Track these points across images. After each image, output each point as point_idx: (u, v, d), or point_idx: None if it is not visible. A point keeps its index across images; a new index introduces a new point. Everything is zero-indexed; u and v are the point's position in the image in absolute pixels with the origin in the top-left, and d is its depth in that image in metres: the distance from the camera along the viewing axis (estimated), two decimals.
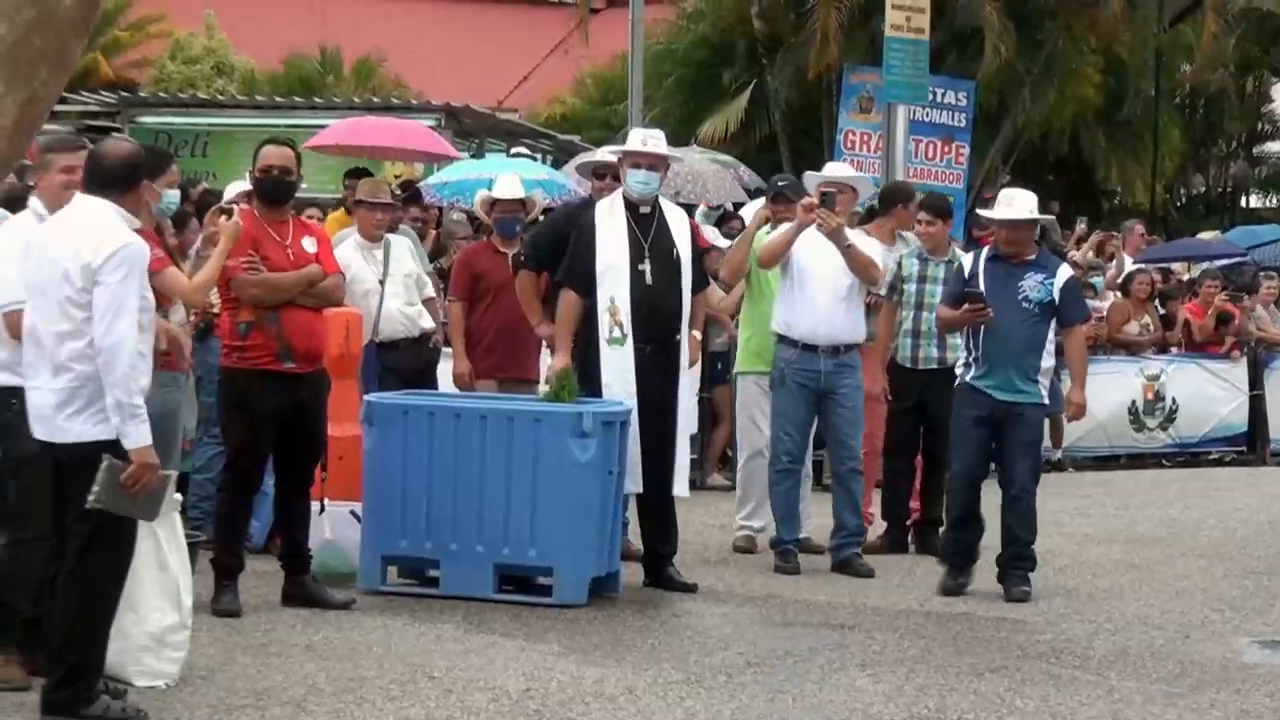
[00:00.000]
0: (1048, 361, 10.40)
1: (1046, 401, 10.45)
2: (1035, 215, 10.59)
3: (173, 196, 9.54)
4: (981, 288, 10.23)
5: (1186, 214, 39.24)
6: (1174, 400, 18.90)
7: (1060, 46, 28.39)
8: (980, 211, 11.10)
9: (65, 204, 7.01)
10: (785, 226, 11.07)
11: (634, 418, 9.85)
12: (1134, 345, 19.02)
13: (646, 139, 10.40)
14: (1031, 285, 10.26)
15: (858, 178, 11.91)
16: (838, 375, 10.91)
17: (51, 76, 1.01)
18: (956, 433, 10.42)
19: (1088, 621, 9.67)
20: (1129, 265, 20.51)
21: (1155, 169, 32.13)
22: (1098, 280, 20.03)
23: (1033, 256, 10.45)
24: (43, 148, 7.58)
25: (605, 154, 11.71)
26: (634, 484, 9.98)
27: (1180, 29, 32.50)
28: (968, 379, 10.32)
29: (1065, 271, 10.51)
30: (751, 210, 13.49)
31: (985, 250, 10.68)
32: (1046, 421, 11.79)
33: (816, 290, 10.87)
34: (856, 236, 11.14)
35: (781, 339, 10.99)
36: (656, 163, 10.33)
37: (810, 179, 11.48)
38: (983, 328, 10.19)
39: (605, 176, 11.08)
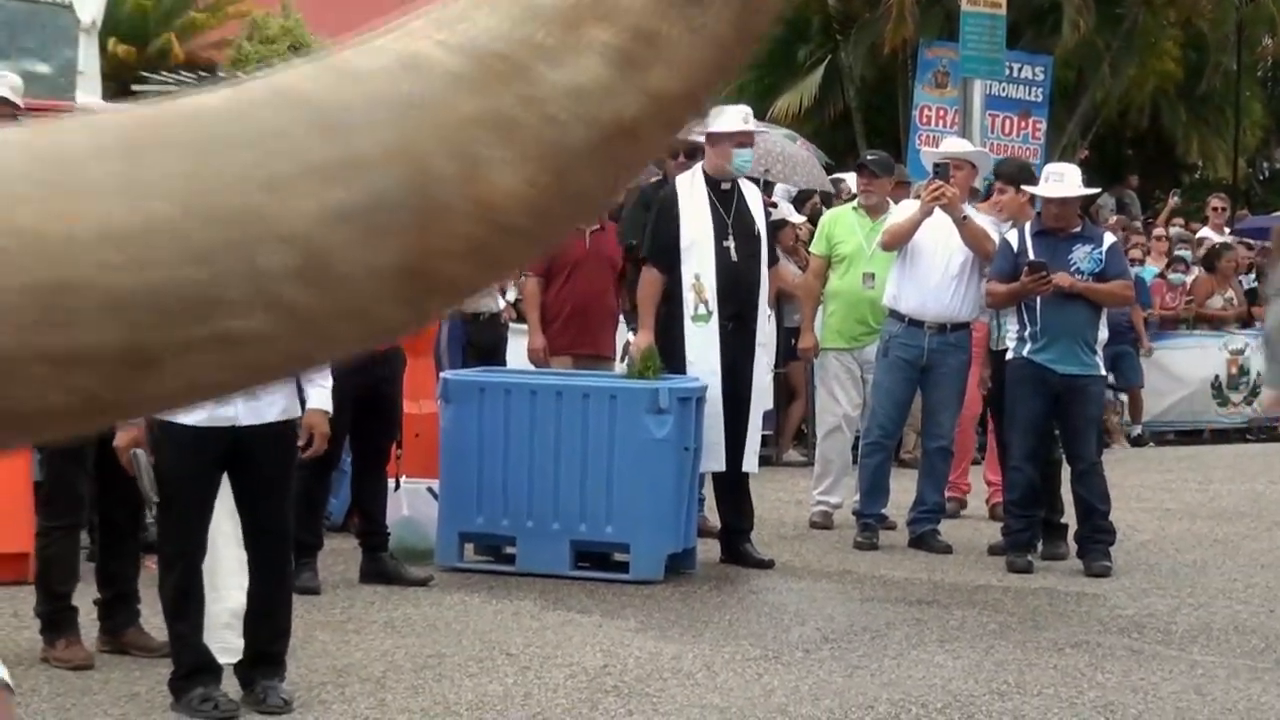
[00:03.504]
0: (1103, 333, 10.39)
1: (1105, 374, 10.50)
2: (1084, 190, 10.68)
3: None
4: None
5: (1270, 188, 38.79)
6: (1258, 375, 18.68)
7: (1140, 21, 28.13)
8: (1026, 188, 11.00)
9: None
10: (906, 209, 11.05)
11: (714, 395, 9.83)
12: (1217, 319, 18.84)
13: (747, 117, 10.44)
14: (1081, 256, 10.23)
15: (978, 152, 11.88)
16: (941, 353, 10.85)
17: None
18: (1016, 410, 10.33)
19: (1170, 596, 9.58)
20: (1214, 239, 20.32)
21: (1237, 143, 31.76)
22: (1185, 253, 19.83)
23: (1078, 229, 10.43)
24: None
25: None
26: (715, 462, 9.96)
27: (1262, 1, 32.12)
28: (1024, 354, 10.22)
29: (1109, 238, 10.68)
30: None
31: (1030, 225, 10.63)
32: (1124, 396, 11.69)
33: (929, 267, 10.83)
34: (971, 211, 11.08)
35: (891, 312, 10.97)
36: (752, 140, 10.52)
37: (928, 155, 11.47)
38: (1039, 301, 10.11)
39: (679, 155, 11.05)
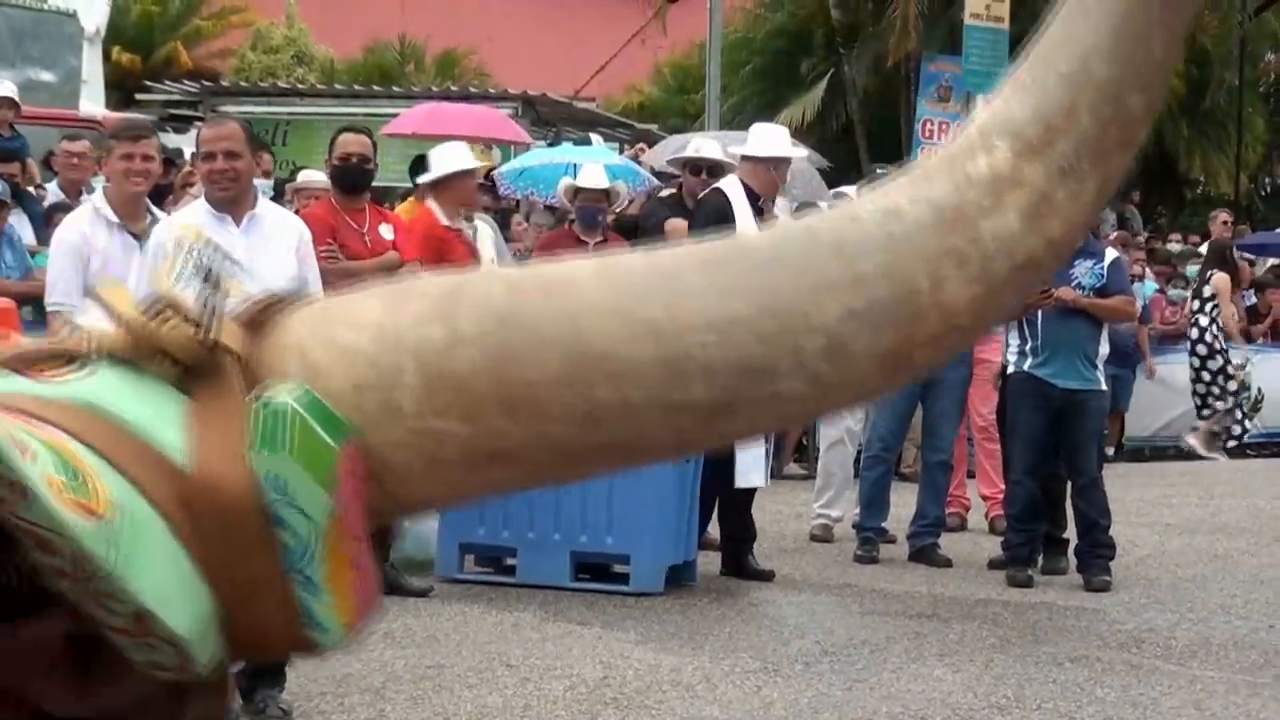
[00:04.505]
0: (1104, 348, 10.41)
1: (1106, 389, 10.53)
2: None
3: (262, 186, 9.48)
4: None
5: (1272, 204, 38.78)
6: (1259, 390, 18.68)
7: None
8: None
9: (129, 193, 7.08)
10: None
11: None
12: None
13: (792, 143, 10.76)
14: (1082, 271, 10.22)
15: None
16: (943, 366, 10.86)
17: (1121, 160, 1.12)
18: (1017, 425, 10.35)
19: (1170, 611, 9.58)
20: None
21: (1239, 159, 31.78)
22: (1192, 269, 19.83)
23: (1079, 243, 10.43)
24: (108, 133, 7.66)
25: (704, 147, 11.71)
26: (757, 476, 10.00)
27: (1265, 17, 32.15)
28: (1025, 369, 10.23)
29: (1111, 253, 10.69)
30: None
31: None
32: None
33: None
34: None
35: None
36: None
37: None
38: (1040, 316, 10.12)
39: (701, 172, 11.11)
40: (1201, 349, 18.05)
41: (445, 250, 9.82)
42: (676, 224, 11.17)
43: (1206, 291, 18.21)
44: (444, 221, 10.29)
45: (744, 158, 10.54)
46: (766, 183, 10.45)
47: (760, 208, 10.32)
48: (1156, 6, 1.20)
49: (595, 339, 1.09)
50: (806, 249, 1.13)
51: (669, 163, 14.75)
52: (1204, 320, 18.11)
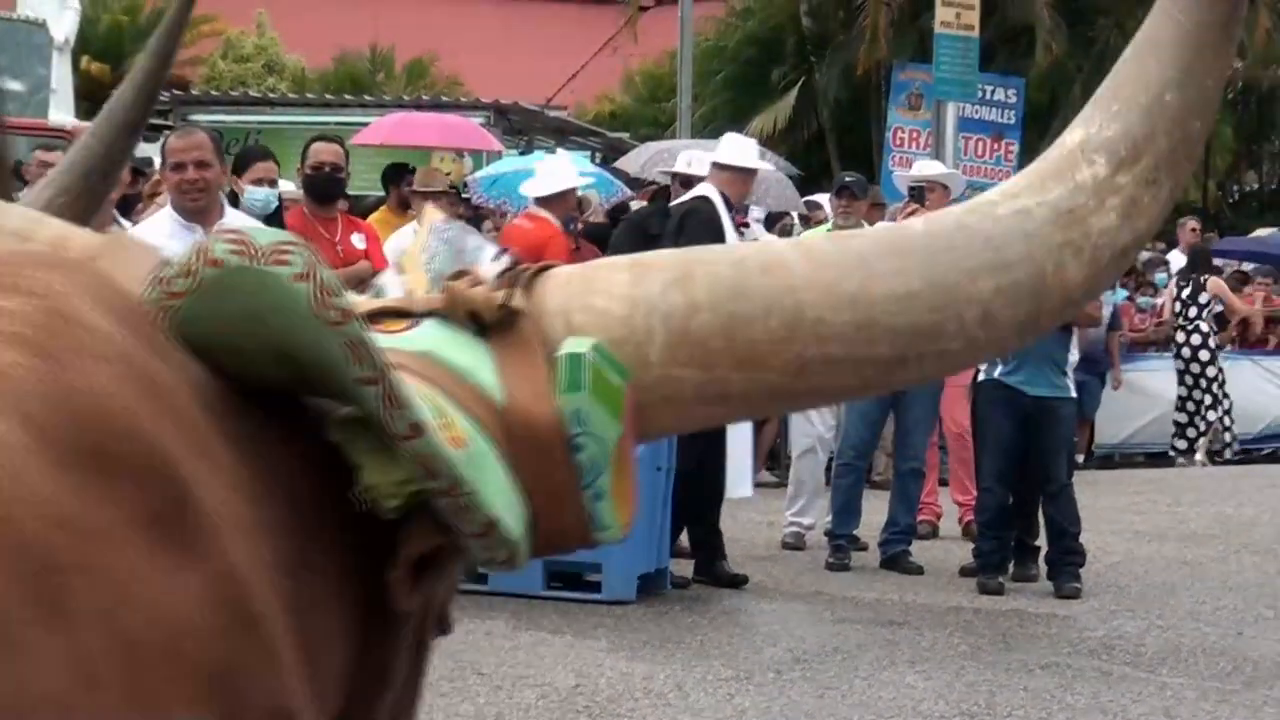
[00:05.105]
0: (1074, 355, 10.44)
1: (1076, 395, 10.56)
2: None
3: (259, 192, 9.18)
4: None
5: (1240, 211, 38.98)
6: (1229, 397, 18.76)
7: (1111, 43, 28.22)
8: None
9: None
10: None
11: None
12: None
13: (760, 154, 10.76)
14: None
15: (950, 175, 11.96)
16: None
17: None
18: (987, 432, 10.38)
19: (1139, 618, 9.62)
20: (1182, 262, 20.41)
21: (1208, 166, 31.96)
22: (1160, 278, 19.91)
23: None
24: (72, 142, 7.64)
25: (696, 160, 11.72)
26: (743, 487, 10.02)
27: None
28: (995, 375, 10.26)
29: None
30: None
31: None
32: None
33: None
34: None
35: None
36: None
37: (901, 177, 11.56)
38: None
39: (690, 184, 11.14)
40: (1205, 354, 18.05)
41: (571, 254, 10.54)
42: None
43: (1203, 298, 18.23)
44: (559, 227, 11.02)
45: (719, 166, 10.55)
46: (740, 191, 10.60)
47: (731, 216, 10.37)
48: (1211, 54, 1.56)
49: (808, 308, 1.39)
50: (964, 239, 1.44)
51: (660, 173, 14.77)
52: (1204, 327, 18.15)
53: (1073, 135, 1.54)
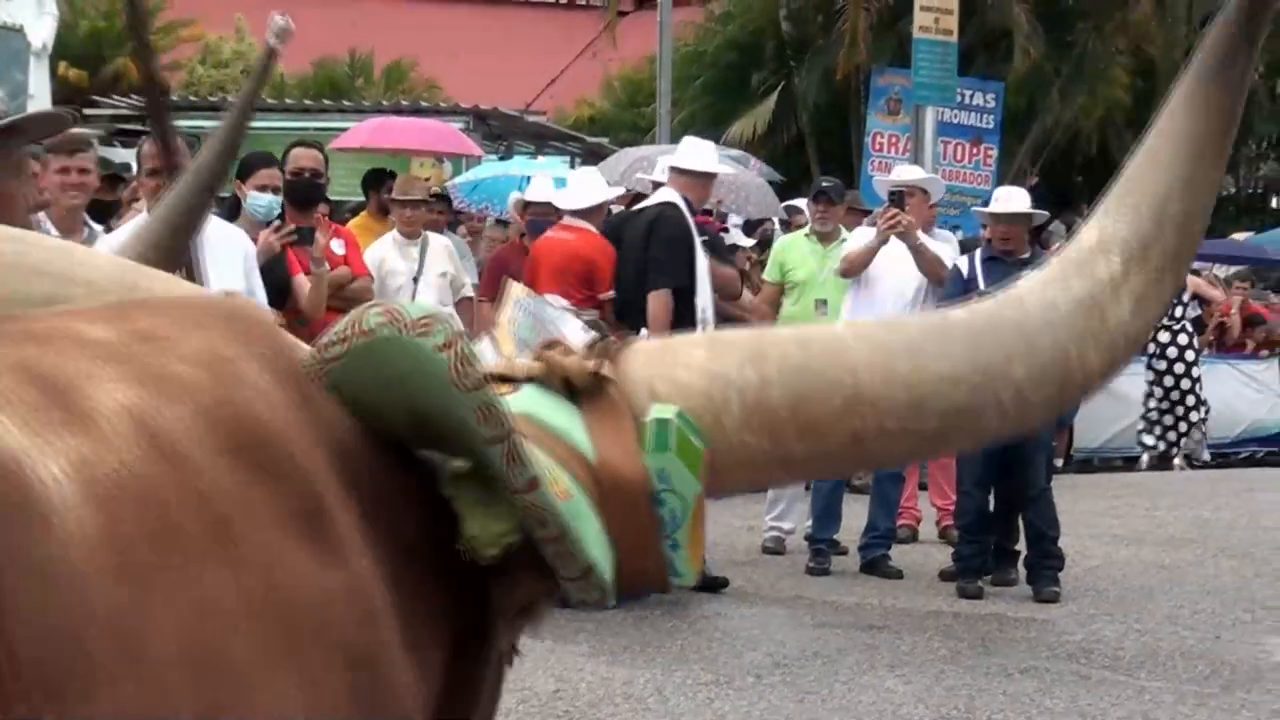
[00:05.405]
0: None
1: None
2: (1028, 210, 10.74)
3: (262, 199, 9.07)
4: (982, 288, 10.25)
5: (1217, 216, 39.04)
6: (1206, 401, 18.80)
7: (1090, 48, 28.32)
8: (976, 209, 11.16)
9: (66, 205, 7.06)
10: (862, 237, 11.19)
11: None
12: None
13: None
14: None
15: (929, 179, 11.99)
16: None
17: None
18: None
19: (1118, 622, 9.65)
20: None
21: None
22: None
23: (1027, 255, 10.51)
24: (45, 147, 7.60)
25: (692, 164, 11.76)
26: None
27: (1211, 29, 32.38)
28: None
29: None
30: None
31: (980, 251, 10.77)
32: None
33: (883, 293, 10.95)
34: (925, 238, 11.18)
35: None
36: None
37: (881, 182, 11.56)
38: None
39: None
40: (1190, 354, 18.07)
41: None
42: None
43: (1185, 295, 18.22)
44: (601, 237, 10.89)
45: (679, 170, 10.48)
46: (700, 195, 10.57)
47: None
48: (1209, 164, 1.71)
49: (866, 387, 1.53)
50: (1000, 328, 1.60)
51: (639, 179, 14.76)
52: (1189, 327, 18.18)
53: (1090, 234, 1.70)
